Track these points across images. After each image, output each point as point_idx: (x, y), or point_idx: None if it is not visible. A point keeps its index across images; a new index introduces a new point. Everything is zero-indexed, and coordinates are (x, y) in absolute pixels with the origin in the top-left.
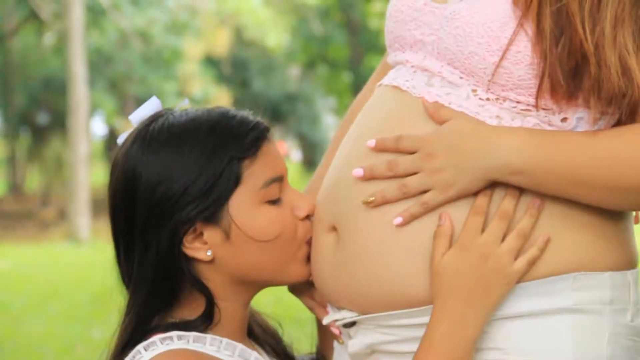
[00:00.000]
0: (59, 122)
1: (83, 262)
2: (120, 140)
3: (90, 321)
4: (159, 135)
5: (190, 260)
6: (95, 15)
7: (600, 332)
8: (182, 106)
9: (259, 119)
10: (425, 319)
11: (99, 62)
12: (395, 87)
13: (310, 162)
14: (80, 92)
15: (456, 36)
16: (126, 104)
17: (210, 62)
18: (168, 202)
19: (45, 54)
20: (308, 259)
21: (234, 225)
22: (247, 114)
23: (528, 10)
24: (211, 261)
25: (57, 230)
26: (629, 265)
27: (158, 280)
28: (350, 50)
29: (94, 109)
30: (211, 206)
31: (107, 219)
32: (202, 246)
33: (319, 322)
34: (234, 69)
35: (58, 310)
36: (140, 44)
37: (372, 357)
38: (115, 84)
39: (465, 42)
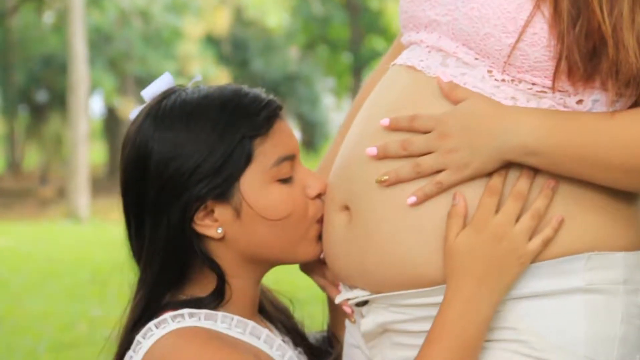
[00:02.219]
0: (58, 100)
1: (82, 240)
2: (132, 115)
3: (90, 299)
4: (171, 112)
5: (201, 237)
6: None
7: (614, 312)
8: (194, 83)
9: (271, 97)
10: (438, 299)
11: (98, 41)
12: (410, 67)
13: (309, 142)
14: (80, 70)
15: (472, 17)
16: (125, 83)
17: (210, 41)
18: (180, 179)
19: (45, 33)
20: (319, 238)
21: (244, 203)
22: (260, 91)
23: None
24: (222, 239)
25: (56, 209)
26: None
27: (169, 257)
28: (350, 31)
29: (93, 87)
30: (222, 184)
31: (106, 198)
32: (212, 223)
33: (330, 300)
34: (234, 49)
35: (58, 288)
36: (140, 23)
37: (384, 335)
38: (115, 63)
39: (481, 23)
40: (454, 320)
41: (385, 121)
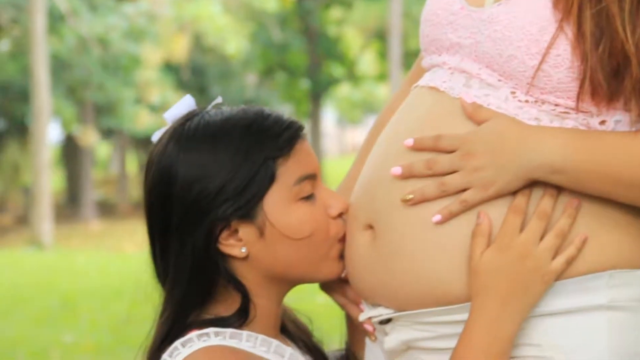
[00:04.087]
0: (16, 128)
1: (48, 267)
2: (155, 138)
3: (60, 325)
4: (195, 134)
5: (225, 257)
6: (54, 21)
7: (636, 329)
8: (215, 104)
9: (292, 118)
10: (463, 316)
11: (57, 68)
12: (433, 88)
13: None
14: (42, 98)
15: (495, 39)
16: (84, 110)
17: (169, 68)
18: (204, 200)
19: (2, 60)
20: (341, 256)
21: (268, 222)
22: (281, 113)
23: (569, 13)
24: (245, 258)
25: (16, 236)
26: None
27: (194, 277)
28: (308, 57)
29: (52, 114)
30: (247, 204)
31: (66, 224)
32: (236, 243)
33: (348, 318)
34: (193, 75)
35: (27, 315)
36: (99, 50)
37: (407, 353)
38: (74, 90)
39: (505, 46)
40: (480, 337)
41: (410, 141)
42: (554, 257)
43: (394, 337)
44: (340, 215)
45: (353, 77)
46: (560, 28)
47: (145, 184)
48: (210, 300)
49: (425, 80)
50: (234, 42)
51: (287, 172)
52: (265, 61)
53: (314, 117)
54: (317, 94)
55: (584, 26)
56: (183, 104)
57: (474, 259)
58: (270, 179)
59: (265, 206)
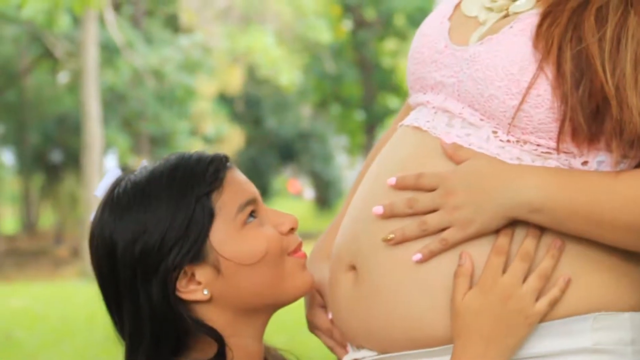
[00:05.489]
0: (73, 160)
1: (97, 300)
2: (92, 216)
3: (102, 358)
4: (124, 197)
5: (188, 305)
6: (109, 53)
7: None
8: (142, 168)
9: (216, 152)
10: (445, 359)
11: (112, 101)
12: (416, 128)
13: (323, 200)
14: (94, 130)
15: (476, 79)
16: (140, 142)
17: (224, 100)
18: (149, 254)
19: (59, 93)
20: (302, 267)
21: (221, 258)
22: (204, 151)
23: (549, 53)
24: (210, 300)
25: (71, 268)
26: None
27: (160, 333)
28: (362, 88)
29: (107, 147)
30: (194, 246)
31: None
32: (197, 287)
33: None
34: (247, 107)
35: (73, 348)
36: (154, 82)
37: None
38: (129, 122)
39: (485, 85)
40: None
41: (392, 180)
42: (537, 299)
43: None
44: (291, 230)
45: None
46: (540, 68)
47: (91, 258)
48: (185, 348)
49: (410, 119)
50: (287, 73)
51: (225, 204)
52: (319, 93)
53: (369, 148)
54: (371, 126)
55: (563, 67)
56: (109, 177)
57: (456, 301)
58: (210, 216)
59: (214, 242)
